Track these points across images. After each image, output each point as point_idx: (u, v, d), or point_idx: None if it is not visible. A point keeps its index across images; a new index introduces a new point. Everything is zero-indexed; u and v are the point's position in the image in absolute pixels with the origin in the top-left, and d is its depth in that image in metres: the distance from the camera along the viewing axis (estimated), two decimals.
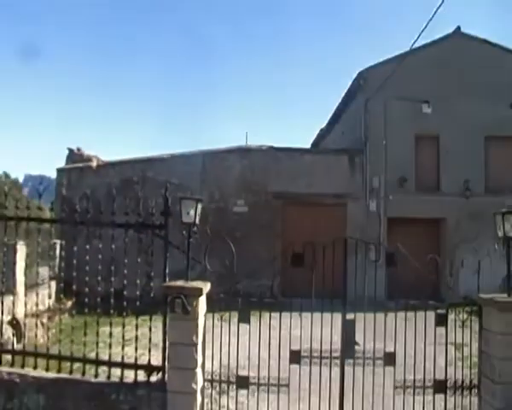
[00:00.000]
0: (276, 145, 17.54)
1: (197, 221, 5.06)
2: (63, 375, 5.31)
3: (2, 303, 6.02)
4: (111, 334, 5.30)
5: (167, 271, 5.21)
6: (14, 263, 9.79)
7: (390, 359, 5.31)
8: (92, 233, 5.55)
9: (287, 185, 16.84)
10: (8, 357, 5.80)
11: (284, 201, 16.90)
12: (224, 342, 5.35)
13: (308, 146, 27.58)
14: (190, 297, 4.85)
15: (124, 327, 5.27)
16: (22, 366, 5.56)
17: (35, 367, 5.45)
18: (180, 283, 5.02)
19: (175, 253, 5.27)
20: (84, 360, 5.40)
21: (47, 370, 5.40)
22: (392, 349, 5.35)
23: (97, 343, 5.39)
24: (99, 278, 5.43)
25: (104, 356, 5.47)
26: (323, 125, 24.80)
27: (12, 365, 5.62)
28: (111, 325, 5.31)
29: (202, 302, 5.02)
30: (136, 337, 5.26)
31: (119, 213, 5.48)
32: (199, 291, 4.91)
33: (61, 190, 15.06)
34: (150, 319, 5.23)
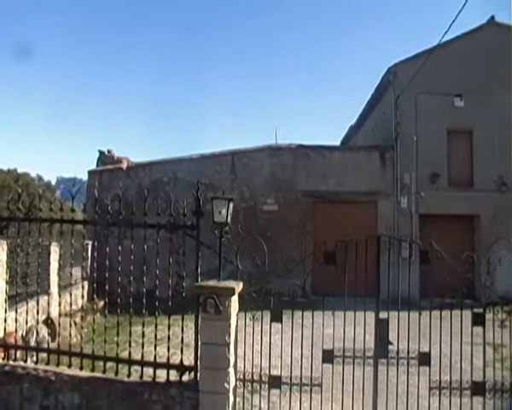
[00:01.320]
0: (305, 143, 17.44)
1: (229, 221, 5.05)
2: (97, 374, 5.37)
3: (38, 303, 6.12)
4: (143, 334, 5.33)
5: (199, 270, 5.20)
6: (49, 264, 10.01)
7: (424, 359, 5.21)
8: (124, 234, 5.57)
9: (316, 183, 16.80)
10: (44, 355, 5.89)
11: (314, 199, 16.83)
12: (256, 342, 5.33)
13: (337, 143, 27.40)
14: (222, 297, 4.84)
15: (156, 327, 5.29)
16: (57, 365, 5.65)
17: (69, 366, 5.52)
18: (212, 282, 5.02)
19: (206, 252, 5.27)
20: (117, 360, 5.44)
21: (81, 369, 5.46)
22: (426, 349, 5.25)
23: (130, 343, 5.43)
24: (131, 278, 5.46)
25: (136, 356, 5.51)
26: (353, 121, 24.61)
27: (47, 363, 5.71)
28: (143, 324, 5.34)
29: (234, 302, 5.01)
30: (169, 337, 5.28)
31: (150, 213, 5.50)
32: (231, 291, 4.89)
33: (92, 191, 15.27)
34: (182, 319, 5.25)
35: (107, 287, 5.62)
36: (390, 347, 5.29)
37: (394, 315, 5.33)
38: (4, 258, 8.37)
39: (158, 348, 5.41)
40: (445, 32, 11.82)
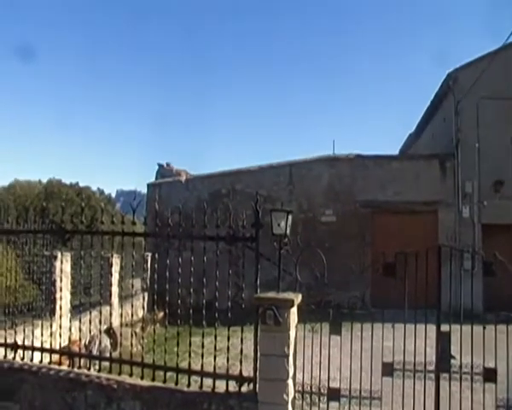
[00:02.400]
0: (363, 153, 17.32)
1: (288, 233, 5.06)
2: (157, 383, 5.45)
3: (100, 313, 6.30)
4: (203, 345, 5.39)
5: (258, 282, 5.22)
6: (110, 275, 10.31)
7: (490, 375, 4.99)
8: (183, 246, 5.65)
9: (375, 193, 16.56)
10: (106, 364, 6.06)
11: (373, 209, 16.60)
12: (315, 354, 5.29)
13: (396, 152, 26.95)
14: (282, 309, 4.83)
15: (216, 338, 5.34)
16: (119, 374, 5.78)
17: (131, 375, 5.65)
18: (271, 294, 5.02)
19: (264, 264, 5.28)
20: (177, 370, 5.52)
21: (142, 378, 5.57)
22: (491, 365, 5.05)
23: (189, 354, 5.50)
24: (191, 289, 5.54)
25: (196, 366, 5.56)
26: (412, 129, 24.17)
27: (110, 371, 5.85)
28: (203, 335, 5.40)
29: (293, 314, 4.99)
30: (228, 348, 5.31)
31: (210, 225, 5.56)
32: (290, 303, 4.88)
33: (151, 204, 15.65)
34: (242, 331, 5.27)
35: (167, 298, 5.72)
36: (452, 361, 5.12)
37: (456, 328, 5.16)
38: (69, 269, 8.72)
39: (217, 358, 5.45)
40: (510, 35, 11.44)
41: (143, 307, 8.73)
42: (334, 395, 5.25)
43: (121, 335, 8.60)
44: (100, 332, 7.52)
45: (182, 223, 5.62)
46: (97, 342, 8.70)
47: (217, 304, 5.35)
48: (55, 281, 9.29)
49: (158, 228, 5.99)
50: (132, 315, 6.50)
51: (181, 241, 5.64)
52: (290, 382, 4.94)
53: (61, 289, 7.59)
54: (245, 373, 5.28)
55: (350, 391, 5.19)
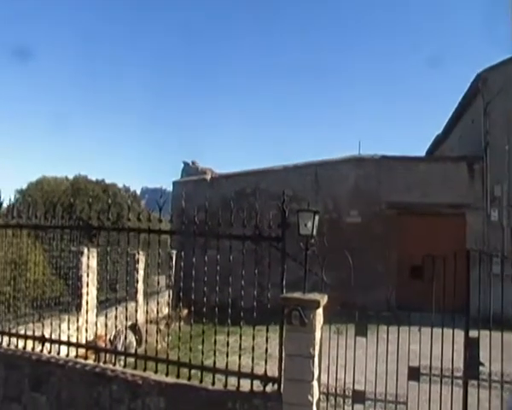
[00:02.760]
0: (389, 154, 17.14)
1: (314, 233, 5.04)
2: (182, 381, 5.47)
3: (126, 309, 6.35)
4: (228, 343, 5.38)
5: (284, 282, 5.20)
6: (136, 272, 10.40)
7: None
8: (209, 244, 5.66)
9: (401, 195, 16.35)
10: (131, 359, 6.10)
11: (398, 211, 16.39)
12: (339, 356, 5.26)
13: (423, 154, 26.61)
14: (308, 309, 4.80)
15: (241, 337, 5.34)
16: (144, 370, 5.81)
17: (156, 371, 5.67)
18: (298, 295, 5.00)
19: (289, 264, 5.25)
20: (202, 368, 5.52)
21: (167, 375, 5.60)
22: None
23: (214, 352, 5.50)
24: (216, 288, 5.56)
25: (219, 365, 5.56)
26: (439, 131, 23.84)
27: (134, 367, 5.89)
28: (228, 334, 5.41)
29: (319, 315, 4.96)
30: (253, 348, 5.29)
31: (235, 224, 5.55)
32: (316, 303, 4.85)
33: (177, 202, 15.74)
34: (267, 330, 5.26)
35: (192, 296, 5.74)
36: (481, 368, 5.03)
37: (485, 334, 5.06)
38: (95, 265, 8.82)
39: (241, 357, 5.43)
40: None
41: (168, 305, 8.75)
42: (358, 397, 5.21)
43: (146, 331, 8.65)
44: (125, 328, 7.58)
45: (208, 221, 5.63)
46: (122, 338, 8.76)
47: (242, 303, 5.36)
48: (81, 276, 9.42)
49: (184, 226, 6.01)
50: (158, 312, 6.52)
51: (207, 239, 5.64)
52: (315, 383, 4.91)
53: (87, 285, 7.69)
54: (269, 373, 5.27)
55: (375, 394, 5.14)
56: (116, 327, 6.77)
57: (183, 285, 5.86)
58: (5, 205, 7.56)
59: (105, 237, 7.09)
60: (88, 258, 8.02)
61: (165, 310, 10.57)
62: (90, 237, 9.38)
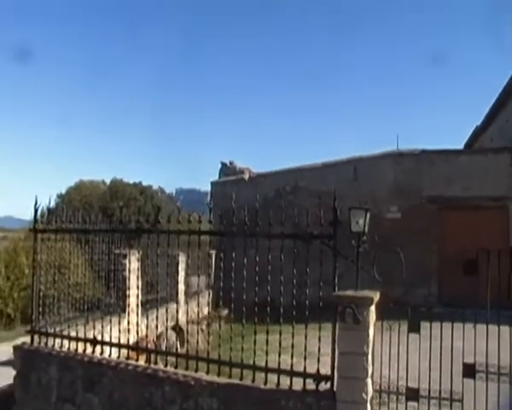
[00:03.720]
0: (428, 148, 16.81)
1: (366, 230, 5.02)
2: (234, 380, 5.49)
3: (167, 310, 6.45)
4: (280, 343, 5.37)
5: (336, 280, 5.18)
6: (177, 273, 10.45)
7: None
8: (250, 244, 5.68)
9: (442, 189, 16.08)
10: (173, 359, 6.18)
11: (439, 205, 16.11)
12: (392, 353, 5.22)
13: (461, 146, 26.05)
14: (361, 307, 4.78)
15: (293, 336, 5.32)
16: (186, 368, 5.87)
17: (207, 372, 5.70)
18: (350, 292, 4.97)
19: (327, 261, 5.21)
20: (254, 367, 5.52)
21: (218, 375, 5.62)
22: None
23: (267, 352, 5.47)
24: (256, 288, 5.61)
25: (261, 363, 5.56)
26: (478, 122, 23.29)
27: (176, 367, 5.98)
28: (280, 333, 5.40)
29: (372, 312, 4.93)
30: (305, 347, 5.26)
31: (277, 223, 5.57)
32: (370, 301, 4.83)
33: (215, 202, 15.80)
34: (319, 329, 5.22)
35: (232, 295, 5.76)
36: None
37: None
38: (138, 267, 8.89)
39: (282, 356, 5.44)
40: None
41: (208, 305, 8.82)
42: (412, 395, 5.15)
43: (187, 332, 8.69)
44: (167, 329, 7.64)
45: (247, 221, 5.65)
46: (165, 339, 8.84)
47: (281, 300, 5.40)
48: (125, 278, 9.51)
49: (224, 226, 6.04)
50: (198, 313, 6.57)
51: (257, 239, 5.65)
52: (369, 381, 4.88)
53: (131, 287, 7.77)
54: (310, 370, 5.25)
55: (429, 392, 5.07)
56: (158, 328, 6.83)
57: (224, 285, 5.90)
58: (45, 209, 7.69)
59: (145, 238, 7.14)
60: (131, 260, 8.08)
61: (205, 310, 10.65)
62: (129, 239, 9.49)
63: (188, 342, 6.51)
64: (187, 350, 6.21)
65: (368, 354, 4.82)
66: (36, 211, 7.34)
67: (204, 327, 8.84)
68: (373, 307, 4.95)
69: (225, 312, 7.48)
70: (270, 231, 5.63)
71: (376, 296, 4.97)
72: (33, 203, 7.27)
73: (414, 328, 5.12)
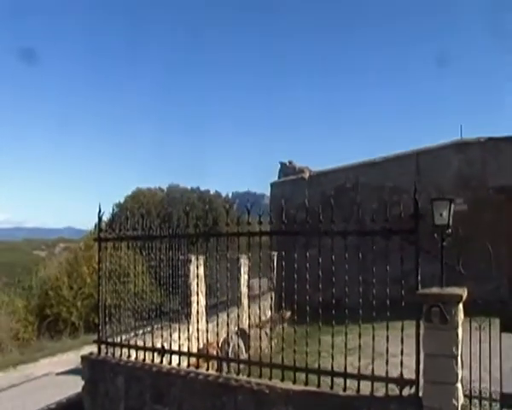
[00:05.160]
0: (495, 136, 15.85)
1: (451, 223, 4.64)
2: (311, 388, 5.19)
3: (230, 315, 6.19)
4: (359, 347, 5.01)
5: (419, 278, 4.81)
6: (239, 277, 10.29)
7: None
8: (310, 243, 5.41)
9: (510, 179, 15.17)
10: (240, 365, 5.94)
11: (508, 195, 15.13)
12: (479, 355, 4.81)
13: None
14: (448, 305, 4.38)
15: (373, 338, 4.95)
16: (248, 375, 5.67)
17: (282, 379, 5.42)
18: (436, 290, 4.59)
19: (391, 257, 4.84)
20: (332, 373, 5.19)
21: (294, 382, 5.34)
22: None
23: (345, 356, 5.14)
24: (320, 286, 5.37)
25: (324, 366, 5.27)
26: None
27: (238, 373, 5.78)
28: (346, 335, 5.14)
29: (460, 310, 4.52)
30: (387, 350, 4.88)
31: (337, 220, 5.32)
32: (458, 298, 4.42)
33: (276, 202, 15.57)
34: (402, 329, 4.84)
35: (295, 297, 5.56)
36: None
37: None
38: (202, 272, 8.72)
39: (349, 358, 5.12)
40: None
41: (271, 307, 8.58)
42: (507, 401, 4.72)
43: (249, 337, 8.48)
44: (230, 334, 7.40)
45: (308, 220, 5.44)
46: (231, 344, 8.64)
47: (346, 300, 5.14)
48: (190, 284, 9.37)
49: (285, 226, 5.79)
50: (260, 317, 6.31)
51: (332, 237, 5.35)
52: (459, 385, 4.48)
53: (195, 293, 7.58)
54: (380, 372, 4.92)
55: None
56: (219, 335, 6.62)
57: (286, 286, 5.63)
58: (105, 219, 7.63)
59: (208, 243, 6.95)
60: (195, 266, 7.89)
61: (268, 313, 10.41)
62: (189, 244, 9.35)
63: (250, 347, 6.27)
64: (249, 356, 5.97)
65: (457, 356, 4.42)
66: (100, 219, 7.27)
67: (267, 331, 8.59)
68: (461, 305, 4.54)
69: (288, 314, 7.23)
70: (333, 229, 5.36)
71: (464, 293, 4.56)
72: (97, 211, 7.22)
73: (508, 327, 4.68)
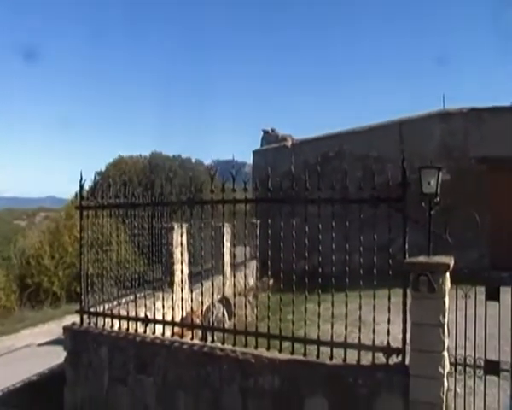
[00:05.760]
0: (477, 106, 15.77)
1: (439, 191, 4.59)
2: (297, 357, 5.17)
3: (213, 284, 6.14)
4: (346, 315, 5.01)
5: (406, 247, 4.76)
6: (223, 244, 10.20)
7: None
8: (295, 211, 5.37)
9: (493, 149, 15.00)
10: (220, 334, 5.99)
11: (489, 165, 15.10)
12: (464, 323, 4.79)
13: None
14: (436, 274, 4.36)
15: (346, 306, 4.99)
16: (233, 344, 5.65)
17: (267, 348, 5.40)
18: (423, 258, 4.55)
19: (371, 226, 4.77)
20: (319, 342, 5.17)
21: (280, 351, 5.31)
22: None
23: (331, 325, 5.11)
24: (306, 254, 5.30)
25: (312, 335, 5.28)
26: None
27: (223, 342, 5.78)
28: (333, 304, 5.07)
29: (448, 279, 4.49)
30: (374, 319, 4.84)
31: (323, 188, 5.27)
32: (446, 267, 4.39)
33: (258, 170, 15.41)
34: (388, 298, 4.80)
35: (281, 265, 5.59)
36: None
37: None
38: (185, 241, 8.61)
39: (334, 326, 5.13)
40: None
41: (254, 275, 8.57)
42: (491, 368, 4.73)
43: (235, 305, 8.43)
44: (214, 302, 7.36)
45: (307, 186, 5.34)
46: (215, 312, 8.59)
47: (333, 269, 5.17)
48: (173, 253, 9.27)
49: (268, 194, 5.72)
50: (245, 284, 6.26)
51: (319, 205, 5.28)
52: (446, 354, 4.49)
53: (177, 261, 7.49)
54: (366, 341, 4.96)
55: (511, 365, 4.65)
56: (203, 303, 6.58)
57: (270, 255, 5.57)
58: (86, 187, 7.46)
59: (190, 211, 6.84)
60: (178, 234, 7.80)
61: (251, 281, 10.39)
62: (172, 213, 9.22)
63: (235, 315, 6.24)
64: (234, 324, 5.93)
65: (444, 324, 4.41)
66: (81, 187, 7.10)
67: (251, 298, 8.56)
68: (448, 274, 4.51)
69: (271, 282, 7.20)
70: (319, 196, 5.28)
71: (452, 262, 4.53)
72: (79, 179, 7.02)
73: (493, 295, 4.67)
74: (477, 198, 14.76)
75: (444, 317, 4.40)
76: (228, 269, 10.64)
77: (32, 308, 16.24)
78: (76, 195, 22.83)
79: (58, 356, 7.52)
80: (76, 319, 7.18)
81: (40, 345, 11.50)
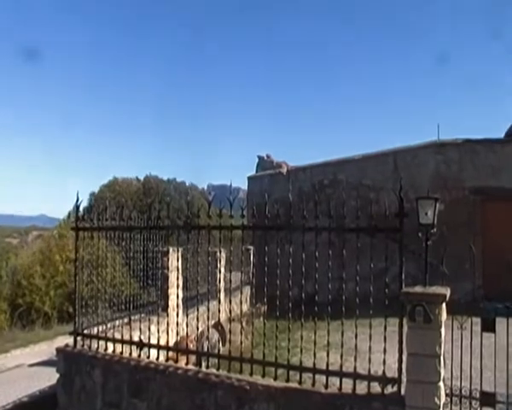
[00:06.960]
0: (471, 137, 15.97)
1: (435, 222, 4.64)
2: (293, 384, 5.13)
3: (209, 310, 6.13)
4: (342, 343, 4.96)
5: (403, 277, 4.79)
6: (218, 270, 10.21)
7: None
8: (286, 238, 5.41)
9: (486, 180, 15.19)
10: (215, 360, 5.93)
11: (483, 197, 15.23)
12: (460, 353, 4.82)
13: (501, 135, 24.95)
14: (432, 304, 4.37)
15: (342, 334, 4.95)
16: (228, 370, 5.60)
17: (263, 375, 5.38)
18: (420, 289, 4.57)
19: (365, 255, 4.89)
20: (314, 370, 5.15)
21: (275, 379, 5.29)
22: None
23: (327, 353, 5.07)
24: (302, 281, 5.28)
25: (307, 363, 5.24)
26: None
27: (218, 368, 5.71)
28: (329, 333, 5.05)
29: (444, 310, 4.51)
30: (370, 348, 4.83)
31: (311, 217, 5.29)
32: (442, 298, 4.41)
33: (253, 197, 15.42)
34: (385, 328, 4.82)
35: (277, 292, 5.48)
36: None
37: None
38: (179, 265, 8.62)
39: (331, 355, 5.09)
40: None
41: (247, 301, 8.54)
42: (487, 400, 4.74)
43: (230, 331, 8.40)
44: (208, 328, 7.34)
45: (304, 214, 5.33)
46: (209, 338, 8.55)
47: (329, 297, 5.06)
48: (167, 277, 9.24)
49: (262, 220, 5.75)
50: (241, 310, 6.25)
51: (317, 233, 5.30)
52: (441, 384, 4.48)
53: (172, 286, 7.48)
54: (360, 370, 4.93)
55: (507, 397, 4.66)
56: (198, 328, 6.55)
57: (262, 281, 5.60)
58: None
59: (185, 236, 6.85)
60: (173, 258, 7.80)
61: (245, 307, 10.36)
62: (167, 236, 9.22)
63: (229, 341, 6.21)
64: (229, 351, 5.91)
65: (440, 355, 4.42)
66: (77, 208, 7.11)
67: (245, 324, 8.54)
68: (444, 305, 4.53)
69: (264, 308, 7.20)
70: (317, 224, 5.28)
71: (448, 292, 4.56)
72: (75, 200, 7.07)
73: (488, 326, 4.70)
74: (470, 229, 14.86)
75: (440, 348, 4.40)
76: (222, 294, 10.63)
77: (23, 328, 16.13)
78: (69, 215, 22.78)
79: (49, 378, 7.46)
80: (68, 340, 7.14)
81: (31, 366, 11.41)
